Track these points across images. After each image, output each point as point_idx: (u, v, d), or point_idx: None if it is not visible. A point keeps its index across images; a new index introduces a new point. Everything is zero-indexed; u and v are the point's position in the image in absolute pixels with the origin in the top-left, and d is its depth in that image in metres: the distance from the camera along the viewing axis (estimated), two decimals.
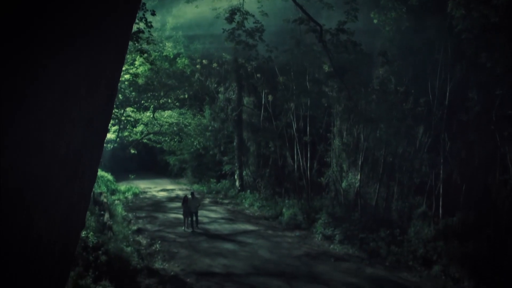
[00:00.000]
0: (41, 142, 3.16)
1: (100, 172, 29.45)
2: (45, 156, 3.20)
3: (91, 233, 14.21)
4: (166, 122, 29.25)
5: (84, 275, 11.70)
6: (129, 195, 28.82)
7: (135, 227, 19.80)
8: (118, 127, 28.71)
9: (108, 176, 32.59)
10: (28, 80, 3.06)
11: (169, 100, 28.69)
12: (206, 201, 27.30)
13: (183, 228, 19.74)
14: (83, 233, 13.69)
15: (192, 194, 20.70)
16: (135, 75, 23.59)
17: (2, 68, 2.97)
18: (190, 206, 19.66)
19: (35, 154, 3.13)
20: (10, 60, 3.00)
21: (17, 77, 3.01)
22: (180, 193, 31.56)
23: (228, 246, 17.13)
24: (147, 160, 45.27)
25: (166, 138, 32.97)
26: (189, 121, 30.23)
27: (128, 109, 27.90)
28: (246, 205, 25.87)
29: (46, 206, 3.19)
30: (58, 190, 3.30)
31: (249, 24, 15.45)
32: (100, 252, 13.24)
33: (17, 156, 3.01)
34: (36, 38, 3.12)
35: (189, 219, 19.78)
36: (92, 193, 14.22)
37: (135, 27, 12.86)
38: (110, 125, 26.45)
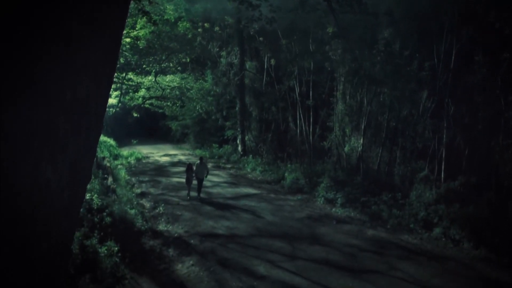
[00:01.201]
0: (47, 90, 3.13)
1: (103, 137, 29.48)
2: (51, 105, 3.17)
3: (95, 195, 14.33)
4: (168, 86, 29.01)
5: (89, 236, 11.85)
6: (131, 160, 28.91)
7: (138, 190, 19.98)
8: (120, 92, 28.52)
9: (111, 141, 32.68)
10: (32, 26, 2.99)
11: (171, 64, 28.39)
12: (209, 165, 27.34)
13: (187, 195, 18.95)
14: (87, 196, 13.82)
15: (200, 159, 19.33)
16: (136, 38, 23.27)
17: (5, 19, 2.90)
18: (197, 172, 18.66)
19: (41, 103, 3.10)
20: (14, 10, 2.92)
21: (21, 25, 2.94)
22: (183, 158, 31.71)
23: (231, 209, 17.30)
24: (149, 126, 45.27)
25: (168, 103, 32.82)
26: (191, 84, 29.97)
27: (129, 73, 27.64)
28: (249, 170, 26.01)
29: (53, 154, 3.18)
30: (65, 138, 3.28)
31: None
32: (104, 214, 13.39)
33: (23, 104, 2.98)
34: None
35: (192, 184, 18.93)
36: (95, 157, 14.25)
37: None
38: (111, 89, 26.32)
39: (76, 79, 3.37)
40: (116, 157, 28.77)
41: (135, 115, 32.11)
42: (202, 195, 19.10)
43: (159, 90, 29.35)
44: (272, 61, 25.95)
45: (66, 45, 3.21)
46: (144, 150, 34.44)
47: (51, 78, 3.17)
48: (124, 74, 26.53)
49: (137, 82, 27.83)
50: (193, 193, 19.02)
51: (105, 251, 11.47)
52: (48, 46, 3.12)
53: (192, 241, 13.59)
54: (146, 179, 22.96)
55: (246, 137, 30.02)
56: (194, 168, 18.88)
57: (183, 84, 29.76)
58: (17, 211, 3.02)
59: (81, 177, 3.71)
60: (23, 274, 3.26)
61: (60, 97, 3.26)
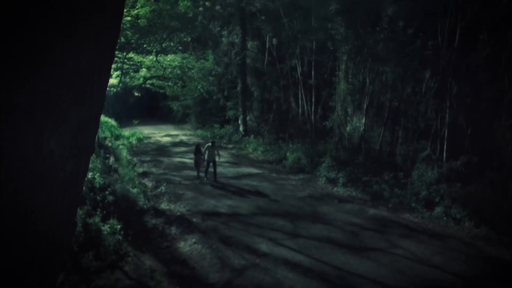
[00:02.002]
0: (49, 60, 3.07)
1: (104, 118, 29.45)
2: (53, 75, 3.12)
3: (97, 174, 14.35)
4: (169, 65, 28.79)
5: (92, 214, 11.93)
6: (133, 140, 28.94)
7: (140, 169, 20.02)
8: (120, 72, 28.34)
9: (112, 121, 32.68)
10: None
11: (172, 44, 28.13)
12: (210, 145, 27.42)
13: (196, 178, 18.53)
14: (90, 174, 13.85)
15: (212, 142, 18.73)
16: (137, 17, 23.01)
17: None
18: (209, 155, 18.36)
19: (43, 73, 3.05)
20: None
21: None
22: (184, 138, 31.71)
23: (233, 188, 17.34)
24: (150, 106, 45.23)
25: (169, 83, 32.63)
26: (193, 64, 29.76)
27: (130, 53, 27.41)
28: (250, 150, 26.01)
29: (56, 124, 3.14)
30: (67, 108, 3.24)
31: None
32: (107, 192, 13.44)
33: (25, 73, 2.93)
34: None
35: (204, 169, 18.59)
36: (96, 137, 14.24)
37: None
38: (112, 69, 26.05)
39: (78, 50, 3.32)
40: (117, 137, 28.80)
41: (136, 94, 31.97)
42: (201, 174, 18.82)
43: (160, 70, 29.12)
44: (274, 41, 25.73)
45: (67, 15, 3.15)
46: (145, 130, 34.45)
47: (53, 48, 3.12)
48: (124, 54, 26.33)
49: (138, 62, 27.61)
50: (198, 174, 18.71)
51: (108, 229, 11.54)
52: (50, 16, 3.06)
53: (194, 219, 13.65)
54: (148, 159, 22.98)
55: (248, 117, 29.95)
56: (203, 150, 18.49)
57: (185, 63, 29.51)
58: (21, 182, 3.00)
59: (84, 148, 3.68)
60: (25, 247, 3.26)
61: (63, 67, 3.21)
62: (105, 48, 3.68)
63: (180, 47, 30.46)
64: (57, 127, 3.20)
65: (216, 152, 18.52)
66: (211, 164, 18.55)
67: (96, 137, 4.17)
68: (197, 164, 18.44)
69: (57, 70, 3.15)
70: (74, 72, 3.28)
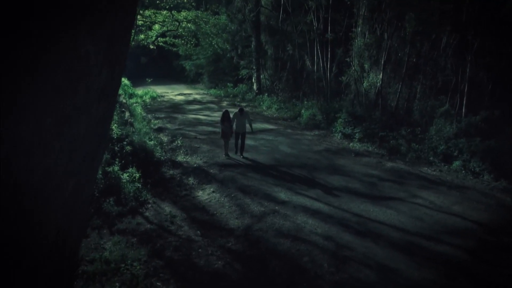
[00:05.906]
0: None
1: None
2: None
3: (115, 125, 14.37)
4: (185, 18, 28.25)
5: (111, 163, 12.00)
6: (146, 99, 28.89)
7: (156, 122, 20.10)
8: (133, 30, 27.99)
9: (125, 80, 32.51)
10: None
11: (185, 0, 27.58)
12: (224, 103, 27.31)
13: (224, 155, 15.15)
14: None
15: (240, 110, 15.02)
16: None
17: None
18: (237, 125, 14.88)
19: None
20: None
21: None
22: (198, 97, 31.56)
23: (249, 142, 17.21)
24: (162, 66, 44.86)
25: (182, 41, 32.20)
26: (208, 18, 29.20)
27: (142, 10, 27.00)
28: (264, 108, 25.84)
29: (91, 26, 3.07)
30: (102, 13, 3.16)
31: None
32: (124, 143, 13.48)
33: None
34: None
35: (230, 142, 15.28)
36: None
37: None
38: None
39: None
40: (131, 96, 28.70)
41: (151, 47, 31.59)
42: (242, 159, 15.06)
43: (174, 25, 28.64)
44: None
45: None
46: (158, 89, 34.31)
47: None
48: (138, 9, 25.93)
49: (152, 13, 27.05)
50: (225, 149, 15.37)
51: (127, 177, 11.64)
52: None
53: (211, 170, 13.68)
54: (162, 115, 22.95)
55: (262, 76, 29.62)
56: (232, 117, 14.88)
57: (200, 16, 28.89)
58: (59, 81, 2.93)
59: (117, 60, 3.60)
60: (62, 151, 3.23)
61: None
62: None
63: (193, 3, 29.84)
64: (92, 29, 3.11)
65: (246, 121, 15.06)
66: (239, 135, 15.07)
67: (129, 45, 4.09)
68: (225, 136, 14.95)
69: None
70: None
